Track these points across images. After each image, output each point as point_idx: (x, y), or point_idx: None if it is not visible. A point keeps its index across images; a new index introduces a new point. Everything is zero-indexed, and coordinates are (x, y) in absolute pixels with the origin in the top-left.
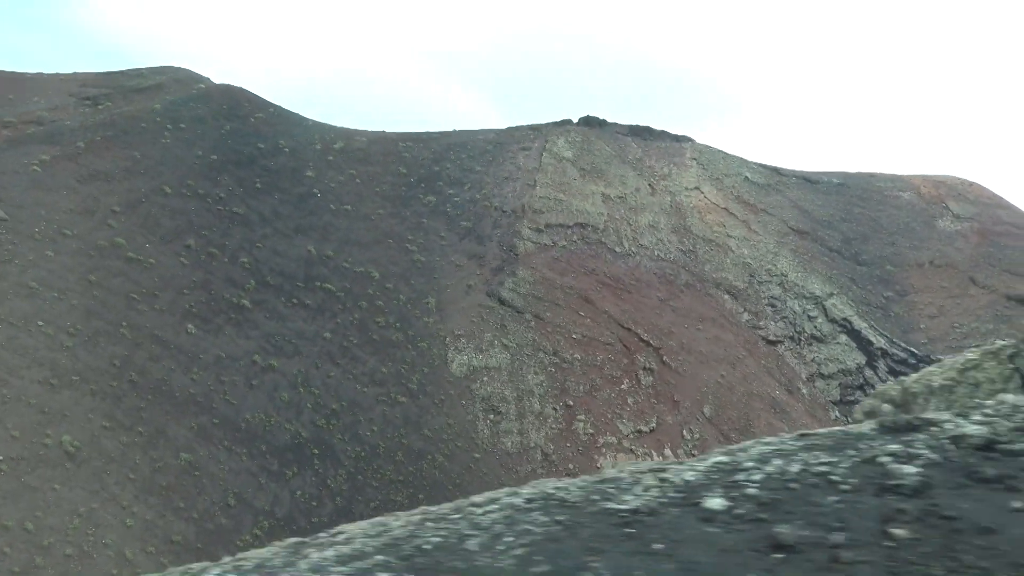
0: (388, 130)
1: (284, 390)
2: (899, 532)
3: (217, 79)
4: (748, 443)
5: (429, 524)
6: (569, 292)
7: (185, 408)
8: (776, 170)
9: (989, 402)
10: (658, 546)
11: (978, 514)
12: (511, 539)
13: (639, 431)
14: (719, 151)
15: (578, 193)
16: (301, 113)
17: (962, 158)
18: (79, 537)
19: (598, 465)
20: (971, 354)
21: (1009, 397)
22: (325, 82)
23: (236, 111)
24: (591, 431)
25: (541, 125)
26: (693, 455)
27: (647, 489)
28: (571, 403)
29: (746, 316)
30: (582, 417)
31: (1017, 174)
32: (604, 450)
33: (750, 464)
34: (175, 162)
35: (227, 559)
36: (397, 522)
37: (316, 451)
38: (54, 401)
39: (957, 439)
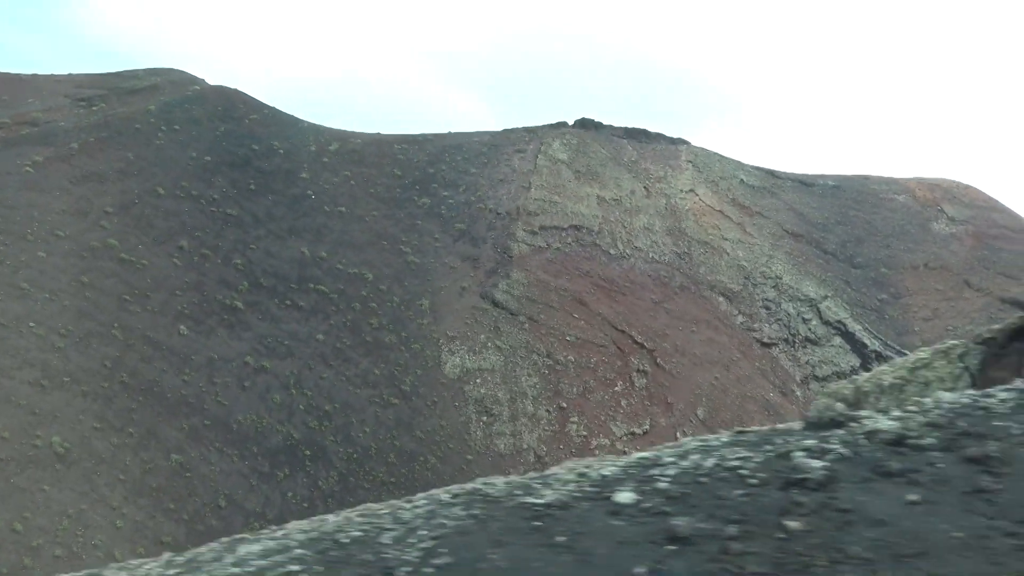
0: (385, 131)
1: (276, 391)
2: (793, 524)
3: (216, 81)
4: (686, 440)
5: (357, 519)
6: (563, 294)
7: (176, 409)
8: (772, 173)
9: (927, 399)
10: (560, 538)
11: (873, 507)
12: (424, 532)
13: (632, 433)
14: (715, 154)
15: (573, 195)
16: (300, 114)
17: (958, 161)
18: (68, 538)
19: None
20: (922, 353)
21: (945, 395)
22: (324, 83)
23: (231, 113)
24: (584, 433)
25: (536, 127)
26: None
27: (565, 484)
28: (564, 405)
29: (740, 318)
30: (575, 419)
31: (1012, 177)
32: (597, 452)
33: (669, 460)
34: (169, 163)
35: (167, 555)
36: (335, 519)
37: (308, 453)
38: (44, 402)
39: (871, 434)
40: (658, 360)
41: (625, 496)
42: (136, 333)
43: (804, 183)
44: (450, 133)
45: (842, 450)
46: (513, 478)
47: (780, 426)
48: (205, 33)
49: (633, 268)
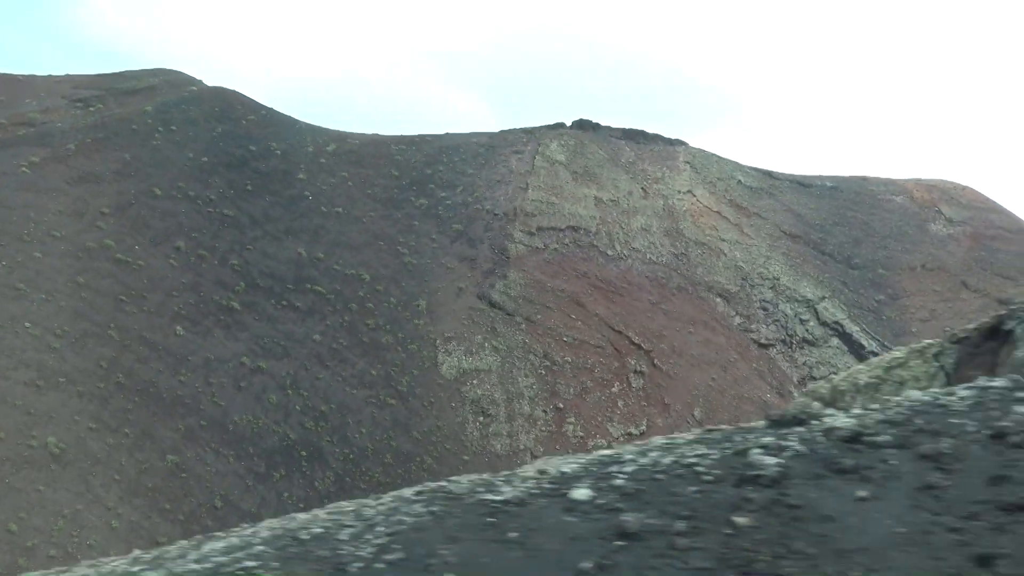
0: (383, 132)
1: (273, 392)
2: (741, 520)
3: (215, 82)
4: (655, 438)
5: (323, 517)
6: (560, 295)
7: (172, 410)
8: (769, 174)
9: (894, 398)
10: (513, 534)
11: (823, 503)
12: (382, 529)
13: (629, 434)
14: (712, 155)
15: (570, 196)
16: (300, 114)
17: (955, 162)
18: (63, 539)
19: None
20: (897, 352)
21: (915, 394)
22: (323, 83)
23: (228, 113)
24: (581, 434)
25: (534, 128)
26: None
27: (525, 481)
28: (561, 406)
29: (738, 319)
30: (572, 420)
31: (1010, 178)
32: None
33: (629, 457)
34: (166, 164)
35: (136, 552)
36: (304, 516)
37: (304, 453)
38: (40, 402)
39: (828, 432)
40: (655, 361)
41: (581, 493)
42: (132, 334)
43: (802, 184)
44: (448, 134)
45: (798, 447)
46: (479, 476)
47: (745, 424)
48: (204, 34)
49: (630, 269)
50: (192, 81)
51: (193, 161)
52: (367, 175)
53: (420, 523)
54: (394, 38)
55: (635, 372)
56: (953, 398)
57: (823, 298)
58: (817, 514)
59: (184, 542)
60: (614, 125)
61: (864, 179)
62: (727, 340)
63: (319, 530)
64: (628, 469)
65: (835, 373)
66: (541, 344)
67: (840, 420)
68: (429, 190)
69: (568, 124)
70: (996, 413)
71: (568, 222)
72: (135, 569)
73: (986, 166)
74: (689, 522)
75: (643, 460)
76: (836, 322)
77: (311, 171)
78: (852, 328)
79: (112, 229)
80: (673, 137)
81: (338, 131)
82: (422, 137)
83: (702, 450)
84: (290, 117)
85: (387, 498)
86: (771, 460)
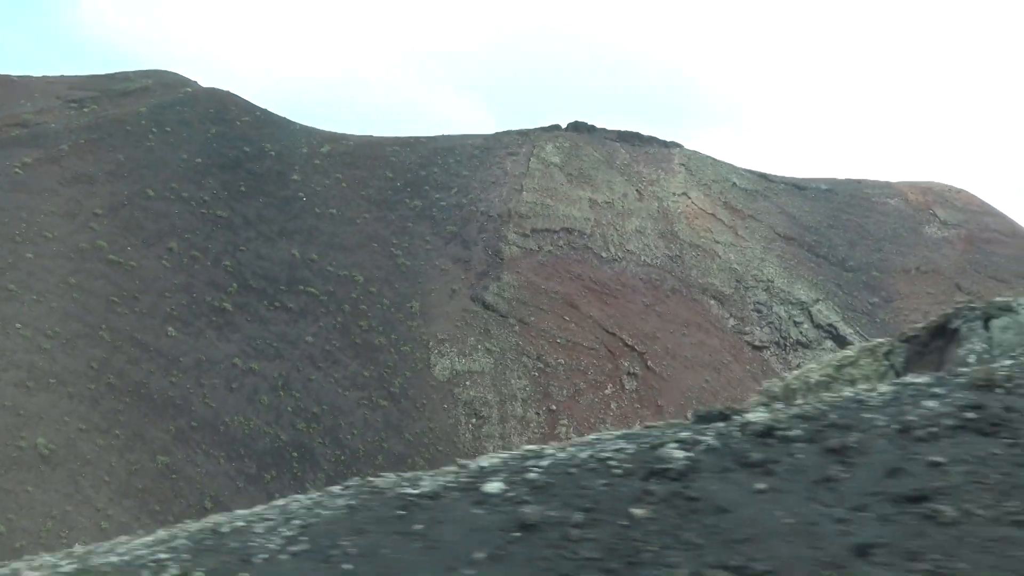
0: (379, 134)
1: (264, 393)
2: (638, 512)
3: (213, 83)
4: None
5: (251, 511)
6: (554, 297)
7: (163, 411)
8: (764, 176)
9: (824, 394)
10: (418, 526)
11: (721, 495)
12: (297, 522)
13: None
14: (708, 157)
15: (565, 198)
16: (297, 116)
17: (950, 165)
18: (52, 540)
19: None
20: (849, 351)
21: (847, 391)
22: (321, 85)
23: (222, 115)
24: (574, 436)
25: (529, 130)
26: None
27: (445, 475)
28: (554, 407)
29: (732, 321)
30: (565, 421)
31: (1005, 181)
32: None
33: (549, 452)
34: (159, 165)
35: (79, 547)
36: (242, 512)
37: (295, 454)
38: (30, 403)
39: (744, 426)
40: (648, 363)
41: (493, 486)
42: (123, 335)
43: (797, 186)
44: (442, 136)
45: (712, 442)
46: (410, 473)
47: (674, 421)
48: (202, 35)
49: (625, 271)
50: (187, 82)
51: (187, 162)
52: (361, 176)
53: (335, 516)
54: (390, 40)
55: (628, 374)
56: (873, 394)
57: (817, 300)
58: (713, 506)
59: (123, 537)
60: (610, 127)
61: (859, 182)
62: (721, 342)
63: (241, 524)
64: (544, 463)
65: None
66: (534, 346)
67: (755, 415)
68: (423, 192)
69: (563, 126)
70: (908, 408)
71: (562, 224)
72: (63, 563)
73: (981, 169)
74: (588, 514)
75: (561, 455)
76: (830, 324)
77: (305, 172)
78: (846, 330)
79: (105, 230)
80: (668, 139)
81: (333, 132)
82: (417, 139)
83: (622, 445)
84: (285, 118)
85: (316, 493)
86: (680, 454)
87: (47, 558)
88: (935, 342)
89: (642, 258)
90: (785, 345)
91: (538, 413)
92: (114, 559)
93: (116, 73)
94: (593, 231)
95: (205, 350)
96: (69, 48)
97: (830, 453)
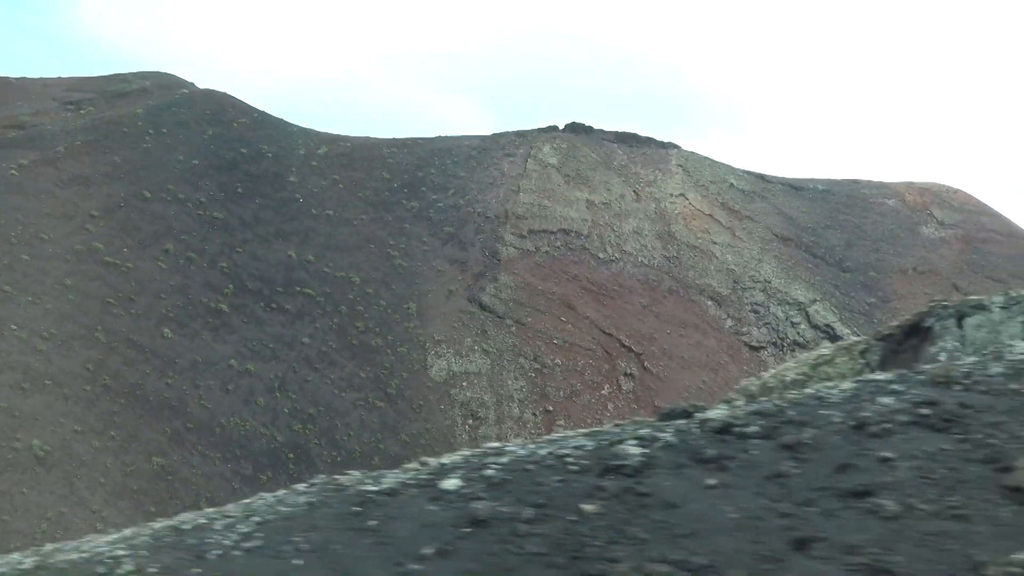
0: (378, 135)
1: (260, 395)
2: (588, 508)
3: (213, 84)
4: (565, 433)
5: (222, 508)
6: (551, 298)
7: (159, 412)
8: (762, 177)
9: (788, 392)
10: (372, 523)
11: (672, 491)
12: (256, 519)
13: None
14: (705, 158)
15: (562, 199)
16: (296, 117)
17: (948, 165)
18: (47, 541)
19: None
20: (824, 350)
21: (809, 388)
22: (320, 86)
23: (219, 116)
24: None
25: (526, 131)
26: None
27: (406, 472)
28: (551, 408)
29: (729, 322)
30: (562, 422)
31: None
32: None
33: (510, 449)
34: (156, 167)
35: (49, 545)
36: (210, 510)
37: (291, 456)
38: (25, 405)
39: (703, 423)
40: (645, 363)
41: (450, 483)
42: (119, 336)
43: (794, 187)
44: (439, 137)
45: (671, 438)
46: (377, 471)
47: (639, 419)
48: (201, 37)
49: (622, 272)
50: (184, 84)
51: (183, 164)
52: (358, 178)
53: (293, 512)
54: (388, 41)
55: (625, 375)
56: (834, 391)
57: (814, 301)
58: (663, 501)
59: (93, 535)
60: (607, 128)
61: (856, 182)
62: (718, 343)
63: (203, 521)
64: (504, 460)
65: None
66: (531, 347)
67: (714, 412)
68: (420, 193)
69: (561, 127)
70: (865, 404)
71: (560, 225)
72: (26, 559)
73: (978, 169)
74: (539, 510)
75: (521, 452)
76: (827, 325)
77: (302, 174)
78: (843, 331)
79: (101, 232)
80: (666, 140)
81: (330, 134)
82: (414, 140)
83: (583, 442)
84: (282, 120)
85: (282, 491)
86: (636, 450)
87: (14, 556)
88: (910, 340)
89: (639, 259)
90: (782, 345)
91: (535, 414)
92: (74, 556)
93: (113, 75)
94: (590, 232)
95: (201, 351)
96: (68, 50)
97: (784, 449)
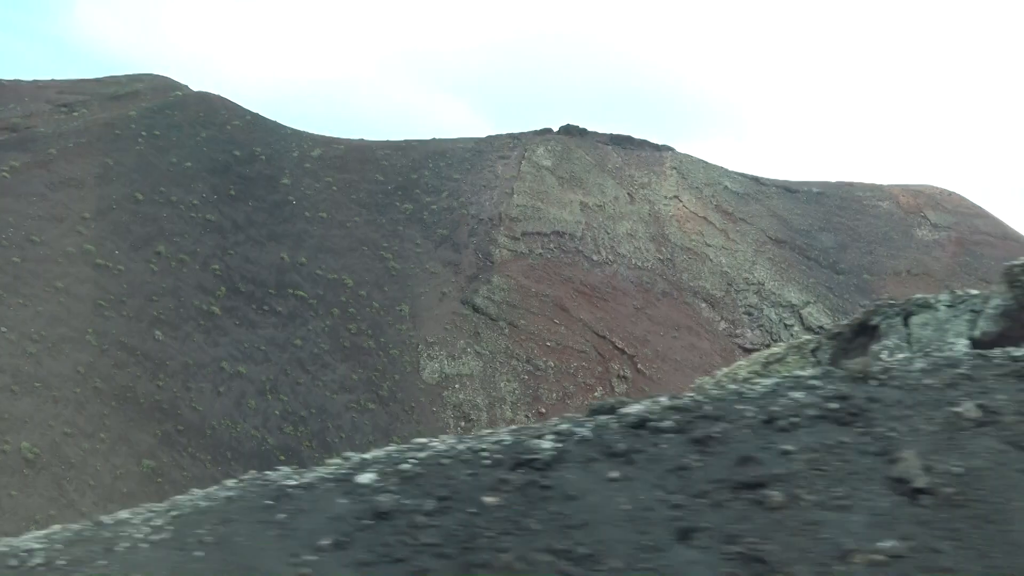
0: (372, 138)
1: (252, 397)
2: (490, 500)
3: (209, 88)
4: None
5: (155, 504)
6: (544, 300)
7: (150, 415)
8: (756, 179)
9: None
10: (281, 516)
11: (575, 484)
12: (175, 513)
13: None
14: (699, 160)
15: (556, 201)
16: (291, 120)
17: (942, 167)
18: None
19: None
20: (776, 348)
21: (733, 385)
22: (316, 89)
23: (212, 118)
24: None
25: (521, 134)
26: None
27: (329, 467)
28: (544, 410)
29: (723, 324)
30: None
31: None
32: None
33: (433, 444)
34: (148, 169)
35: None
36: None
37: (283, 458)
38: (14, 407)
39: (620, 418)
40: (639, 366)
41: (365, 477)
42: (110, 338)
43: (788, 189)
44: (434, 139)
45: (586, 433)
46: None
47: (568, 415)
48: (196, 40)
49: (616, 274)
50: (177, 86)
51: (176, 166)
52: (352, 180)
53: (210, 507)
54: (382, 44)
55: (618, 377)
56: (757, 387)
57: (808, 303)
58: (563, 494)
59: (36, 531)
60: (602, 131)
61: (850, 185)
62: (712, 345)
63: (125, 516)
64: (422, 455)
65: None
66: (524, 349)
67: (632, 407)
68: (414, 195)
69: (555, 130)
70: (779, 399)
71: (553, 227)
72: None
73: (972, 172)
74: (442, 502)
75: (441, 447)
76: (821, 327)
77: (295, 176)
78: None
79: (93, 234)
80: (660, 143)
81: (323, 136)
82: (408, 142)
83: (503, 437)
84: (275, 122)
85: (213, 487)
86: (548, 445)
87: None
88: (859, 339)
89: (633, 261)
90: None
91: (527, 416)
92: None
93: (106, 77)
94: (584, 234)
95: (192, 354)
96: (63, 53)
97: (694, 443)
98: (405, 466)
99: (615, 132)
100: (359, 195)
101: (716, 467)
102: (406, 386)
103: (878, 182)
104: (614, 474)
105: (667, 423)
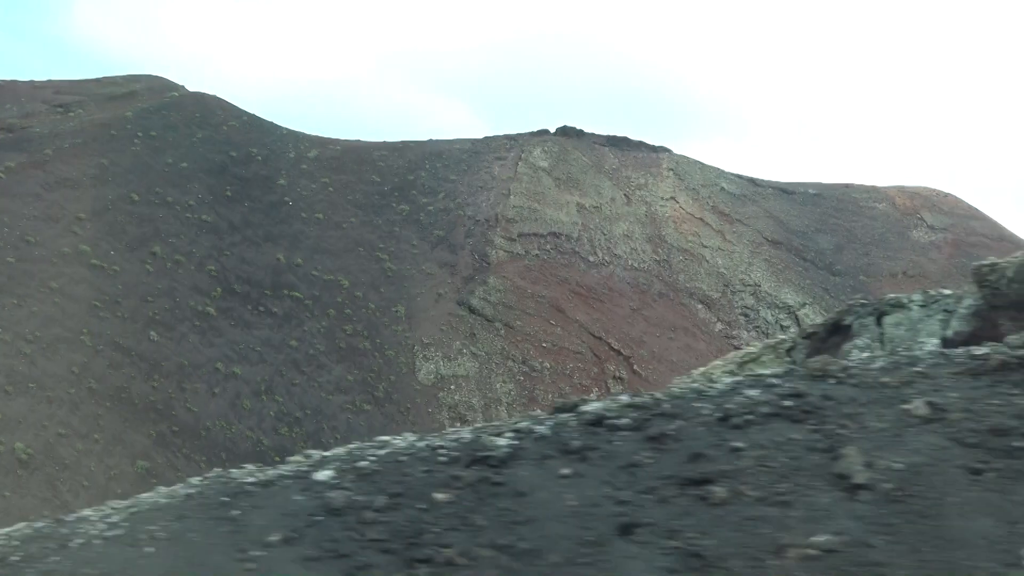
0: (369, 138)
1: (247, 398)
2: (440, 496)
3: (207, 89)
4: (457, 427)
5: (117, 501)
6: (540, 301)
7: (144, 415)
8: (753, 181)
9: (673, 387)
10: (235, 512)
11: (527, 480)
12: (134, 510)
13: None
14: (696, 161)
15: (553, 203)
16: (288, 121)
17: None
18: None
19: None
20: (751, 348)
21: (692, 382)
22: (313, 89)
23: (208, 119)
24: None
25: (517, 135)
26: None
27: (290, 464)
28: (539, 412)
29: (719, 325)
30: None
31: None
32: None
33: (395, 441)
34: (144, 170)
35: None
36: (107, 503)
37: (277, 459)
38: (8, 408)
39: (579, 415)
40: (635, 367)
41: (323, 474)
42: (105, 339)
43: (785, 191)
44: (431, 140)
45: (544, 431)
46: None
47: (533, 413)
48: (194, 40)
49: (612, 275)
50: (173, 87)
51: (172, 166)
52: (348, 181)
53: (170, 503)
54: (380, 44)
55: (614, 378)
56: (718, 385)
57: (804, 304)
58: (513, 490)
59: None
60: (599, 132)
61: (847, 186)
62: (708, 346)
63: (87, 514)
64: (381, 452)
65: None
66: (520, 350)
67: (591, 405)
68: (411, 196)
69: (552, 131)
70: (735, 397)
71: (550, 228)
72: None
73: (969, 173)
74: (394, 499)
75: (401, 444)
76: None
77: (292, 177)
78: None
79: (88, 234)
80: (657, 144)
81: (320, 137)
82: (405, 143)
83: (463, 435)
84: (272, 123)
85: (179, 484)
86: (504, 442)
87: None
88: (832, 338)
89: (629, 262)
90: None
91: None
92: None
93: (102, 78)
94: (580, 235)
95: (188, 355)
96: (61, 53)
97: (649, 440)
98: (363, 463)
99: (612, 133)
100: (355, 196)
101: (667, 464)
102: (402, 387)
103: (875, 184)
104: (566, 471)
105: (624, 421)
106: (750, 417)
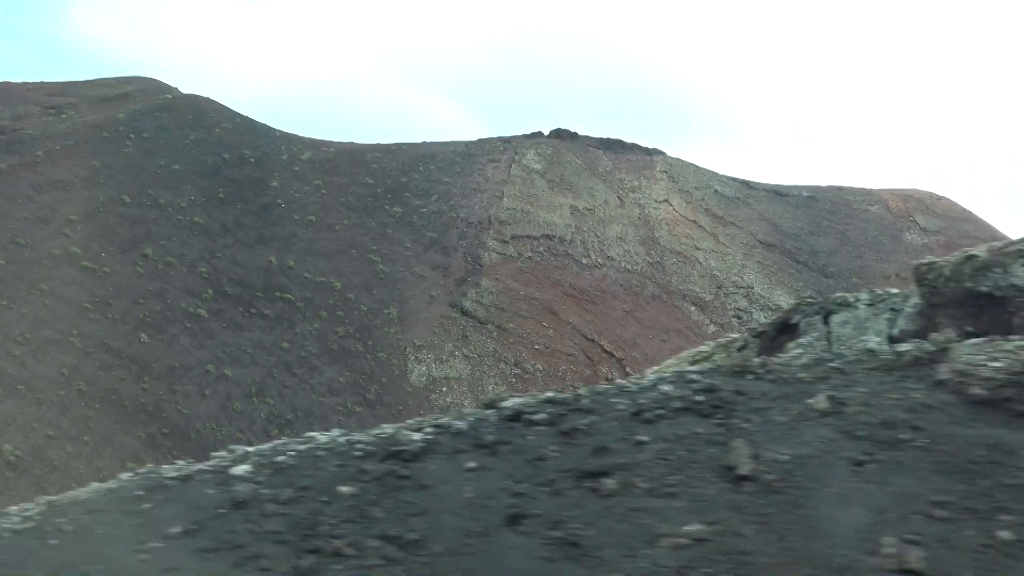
0: (363, 140)
1: (238, 400)
2: (345, 490)
3: (201, 91)
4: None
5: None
6: (533, 303)
7: (134, 417)
8: (746, 183)
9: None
10: (147, 506)
11: (433, 474)
12: (55, 504)
13: None
14: (690, 164)
15: (546, 205)
16: (282, 123)
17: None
18: None
19: None
20: (703, 346)
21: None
22: (307, 91)
23: (201, 121)
24: None
25: (511, 137)
26: None
27: (214, 459)
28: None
29: (712, 327)
30: None
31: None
32: None
33: (320, 437)
34: (136, 172)
35: None
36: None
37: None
38: None
39: (499, 411)
40: (627, 369)
41: (240, 469)
42: (95, 341)
43: (778, 193)
44: (424, 143)
45: (462, 426)
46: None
47: (463, 409)
48: (189, 43)
49: (605, 277)
50: (167, 89)
51: (164, 169)
52: (341, 183)
53: (89, 499)
54: (374, 46)
55: (607, 380)
56: (643, 381)
57: None
58: (418, 484)
59: None
60: (593, 135)
61: (840, 189)
62: None
63: (12, 508)
64: (302, 447)
65: None
66: (512, 352)
67: (511, 400)
68: (404, 198)
69: (546, 133)
70: (650, 393)
71: (543, 230)
72: None
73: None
74: (300, 492)
75: (322, 439)
76: None
77: (284, 179)
78: None
79: (79, 236)
80: (651, 147)
81: (313, 139)
82: (398, 145)
83: (384, 430)
84: (265, 125)
85: (112, 480)
86: (418, 436)
87: None
88: (781, 337)
89: (623, 264)
90: None
91: None
92: None
93: (95, 80)
94: (574, 237)
95: (178, 356)
96: (60, 55)
97: (561, 435)
98: (281, 458)
99: (606, 136)
100: (348, 198)
101: (572, 457)
102: (393, 389)
103: (868, 186)
104: (472, 464)
105: (540, 416)
106: (661, 412)
